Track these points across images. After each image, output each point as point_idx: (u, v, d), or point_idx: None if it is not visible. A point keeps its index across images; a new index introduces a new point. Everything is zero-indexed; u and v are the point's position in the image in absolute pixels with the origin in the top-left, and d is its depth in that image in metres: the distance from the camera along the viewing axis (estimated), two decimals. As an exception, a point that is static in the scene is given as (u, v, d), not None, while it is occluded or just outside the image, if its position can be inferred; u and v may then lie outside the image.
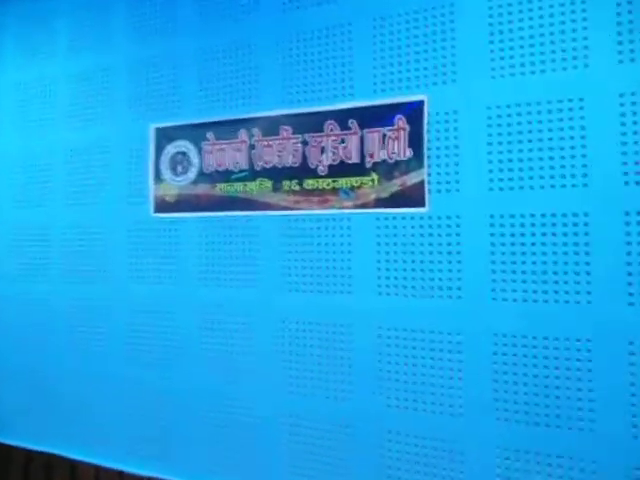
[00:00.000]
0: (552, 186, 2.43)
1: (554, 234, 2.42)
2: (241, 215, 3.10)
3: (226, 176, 3.14)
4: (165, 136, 3.36)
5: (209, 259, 3.22)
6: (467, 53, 2.60)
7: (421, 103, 2.69)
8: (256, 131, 3.06)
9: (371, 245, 2.78)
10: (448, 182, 2.63)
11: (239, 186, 3.10)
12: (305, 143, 2.94)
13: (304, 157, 2.94)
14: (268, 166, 3.04)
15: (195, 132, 3.25)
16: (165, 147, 3.36)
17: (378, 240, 2.77)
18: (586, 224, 2.35)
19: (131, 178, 3.49)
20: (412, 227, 2.69)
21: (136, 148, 3.48)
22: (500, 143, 2.54)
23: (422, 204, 2.66)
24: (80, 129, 3.76)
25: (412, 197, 2.68)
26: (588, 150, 2.37)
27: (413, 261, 2.69)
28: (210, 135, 3.21)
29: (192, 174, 3.27)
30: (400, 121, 2.73)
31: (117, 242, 3.55)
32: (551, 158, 2.44)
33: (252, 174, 3.06)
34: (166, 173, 3.35)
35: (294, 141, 2.98)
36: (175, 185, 3.32)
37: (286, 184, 2.98)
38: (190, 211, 3.27)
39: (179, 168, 3.33)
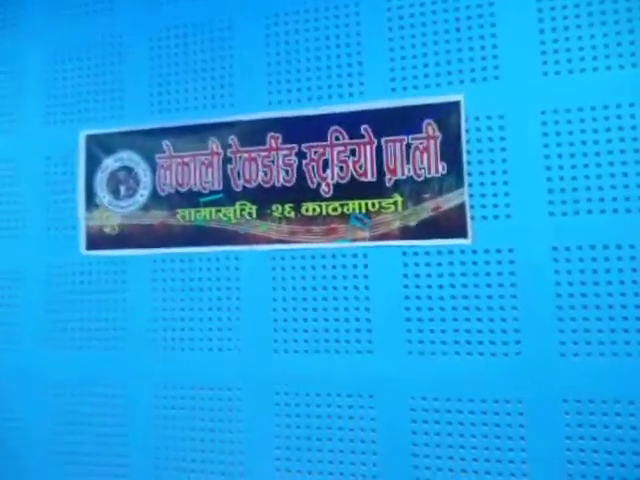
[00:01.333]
0: (628, 210, 1.94)
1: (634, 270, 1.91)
2: (214, 252, 2.33)
3: (191, 199, 2.35)
4: (102, 146, 2.50)
5: (168, 314, 2.37)
6: (513, 43, 2.08)
7: (456, 105, 2.15)
8: (233, 139, 2.33)
9: (397, 289, 2.12)
10: (495, 205, 2.09)
11: (210, 212, 2.33)
12: (302, 155, 2.27)
13: (300, 174, 2.26)
14: (251, 186, 2.31)
15: (146, 141, 2.44)
16: (102, 161, 2.49)
17: (406, 282, 2.14)
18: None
19: (51, 203, 2.56)
20: (451, 264, 2.10)
21: (59, 162, 2.57)
22: (560, 156, 2.09)
23: (463, 234, 2.10)
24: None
25: (450, 225, 2.10)
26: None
27: (454, 308, 2.13)
28: (167, 145, 2.41)
29: (142, 197, 2.43)
30: (429, 127, 2.16)
31: (31, 291, 2.56)
32: (625, 174, 1.95)
33: (229, 196, 2.31)
34: (104, 196, 2.47)
35: (286, 152, 2.30)
36: (117, 212, 2.45)
37: (277, 209, 2.27)
38: (139, 247, 2.41)
39: (122, 189, 2.48)
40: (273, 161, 2.30)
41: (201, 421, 2.31)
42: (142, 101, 2.48)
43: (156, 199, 2.42)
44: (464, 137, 2.11)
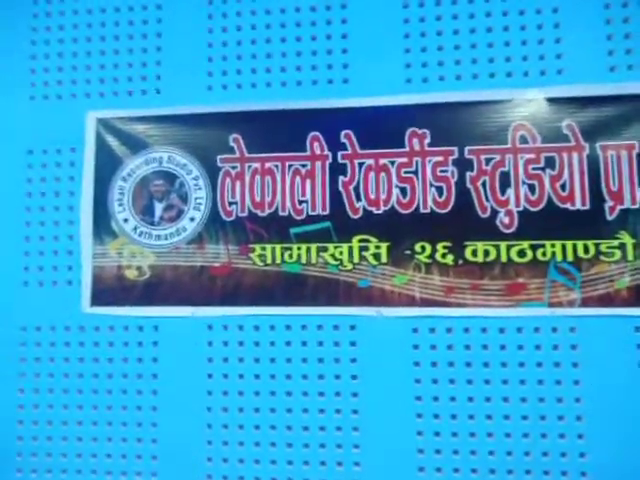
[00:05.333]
0: None
1: None
2: (314, 316, 1.48)
3: (277, 230, 1.51)
4: (123, 137, 1.59)
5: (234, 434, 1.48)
6: None
7: None
8: (348, 136, 1.51)
9: (629, 384, 1.36)
10: None
11: (308, 251, 1.48)
12: (465, 165, 1.47)
13: (463, 194, 1.46)
14: (379, 211, 1.50)
15: (201, 133, 1.57)
16: (123, 162, 1.58)
17: (642, 375, 1.46)
18: None
19: (33, 227, 1.60)
20: None
21: (50, 160, 1.61)
22: None
23: None
24: None
25: None
26: None
27: None
28: (237, 141, 1.56)
29: (192, 223, 1.54)
30: None
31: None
32: None
33: (341, 227, 1.49)
34: (126, 218, 1.56)
35: (439, 159, 1.51)
36: (149, 245, 1.54)
37: (423, 250, 1.46)
38: (184, 303, 1.51)
39: (159, 209, 1.56)
40: (416, 172, 1.53)
41: None
42: (195, 68, 1.60)
43: (216, 227, 1.54)
44: None
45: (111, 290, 1.57)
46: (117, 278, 1.57)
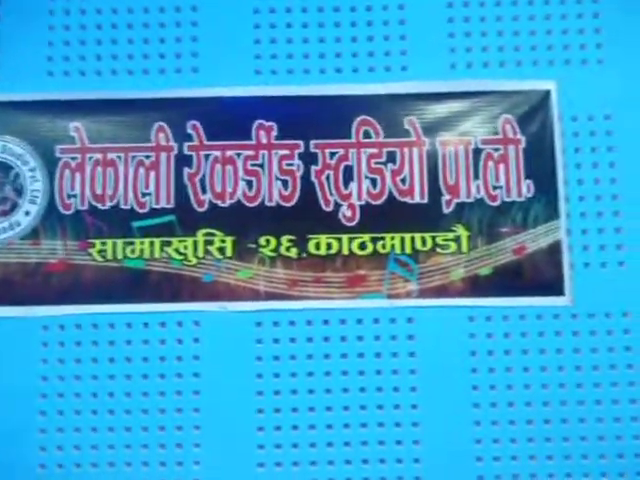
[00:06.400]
0: None
1: None
2: (157, 313, 1.42)
3: (119, 224, 1.45)
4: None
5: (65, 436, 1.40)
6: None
7: (544, 96, 1.55)
8: (195, 127, 1.47)
9: (459, 375, 1.42)
10: (602, 247, 1.54)
11: (151, 246, 1.44)
12: (310, 158, 1.49)
13: (308, 188, 1.48)
14: (224, 204, 1.48)
15: (38, 121, 1.47)
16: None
17: (475, 364, 1.42)
18: None
19: None
20: (541, 336, 1.46)
21: None
22: None
23: (559, 290, 1.46)
24: None
25: (539, 276, 1.46)
26: None
27: (545, 404, 1.45)
28: (77, 130, 1.48)
29: (27, 217, 1.45)
30: (507, 125, 1.53)
31: None
32: None
33: (186, 221, 1.46)
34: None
35: (285, 153, 1.55)
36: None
37: (267, 244, 1.47)
38: (17, 303, 1.42)
39: (-9, 201, 1.58)
40: (262, 165, 1.53)
41: None
42: (34, 53, 1.51)
43: (53, 221, 1.46)
44: (558, 144, 1.56)
45: None
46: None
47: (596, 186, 1.49)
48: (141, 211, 1.47)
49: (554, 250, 1.46)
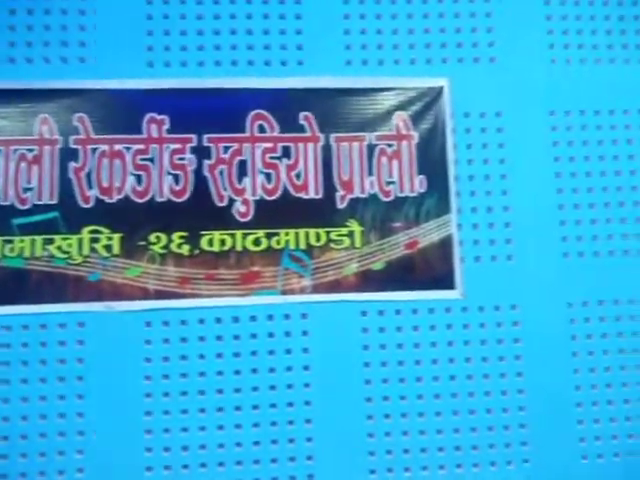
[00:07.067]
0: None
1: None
2: (37, 314, 1.35)
3: (-3, 220, 1.48)
4: None
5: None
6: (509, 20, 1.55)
7: (437, 93, 1.57)
8: (81, 120, 1.42)
9: (355, 369, 1.41)
10: (492, 242, 1.58)
11: (32, 244, 1.37)
12: (203, 153, 1.46)
13: (200, 183, 1.45)
14: (111, 200, 1.42)
15: None
16: None
17: (368, 358, 1.43)
18: None
19: None
20: (432, 329, 1.49)
21: None
22: (574, 175, 1.62)
23: (450, 284, 1.49)
24: None
25: (430, 271, 1.48)
26: None
27: (437, 396, 1.53)
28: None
29: None
30: (401, 122, 1.56)
31: None
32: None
33: (70, 217, 1.40)
34: None
35: (177, 147, 1.49)
36: None
37: (158, 241, 1.42)
38: None
39: None
40: (153, 160, 1.48)
41: None
42: None
43: None
44: (450, 141, 1.59)
45: None
46: None
47: (487, 182, 1.54)
48: (22, 207, 1.40)
49: (446, 245, 1.49)
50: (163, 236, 1.43)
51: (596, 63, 1.60)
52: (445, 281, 1.48)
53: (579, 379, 1.48)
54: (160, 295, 1.41)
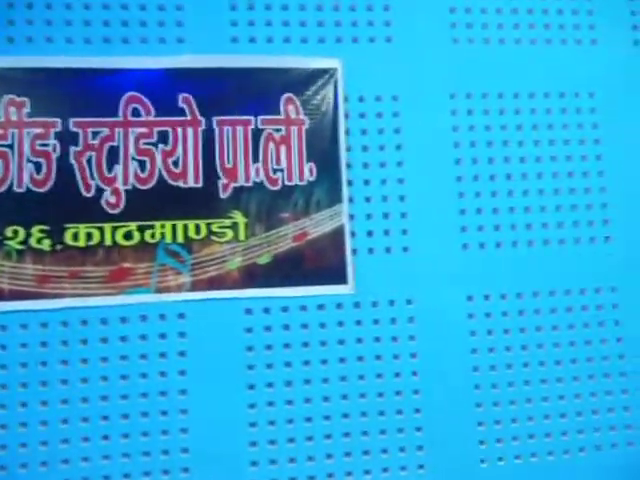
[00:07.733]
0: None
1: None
2: None
3: None
4: None
5: None
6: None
7: (330, 74, 1.51)
8: None
9: (236, 374, 1.31)
10: (387, 232, 1.50)
11: None
12: (69, 138, 1.32)
13: (65, 171, 1.31)
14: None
15: None
16: None
17: (252, 361, 1.32)
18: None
19: None
20: (322, 327, 1.40)
21: None
22: (476, 161, 1.57)
23: (341, 278, 1.40)
24: None
25: (320, 264, 1.39)
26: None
27: (326, 399, 1.43)
28: None
29: None
30: (290, 106, 1.45)
31: None
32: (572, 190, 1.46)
33: None
34: None
35: (40, 131, 1.31)
36: None
37: (15, 235, 1.27)
38: None
39: None
40: (12, 146, 1.32)
41: None
42: None
43: None
44: (342, 126, 1.50)
45: None
46: None
47: (382, 169, 1.44)
48: None
49: (337, 236, 1.39)
50: (21, 230, 1.28)
51: (500, 43, 1.52)
52: (336, 275, 1.38)
53: (479, 378, 1.41)
54: (16, 295, 1.27)
